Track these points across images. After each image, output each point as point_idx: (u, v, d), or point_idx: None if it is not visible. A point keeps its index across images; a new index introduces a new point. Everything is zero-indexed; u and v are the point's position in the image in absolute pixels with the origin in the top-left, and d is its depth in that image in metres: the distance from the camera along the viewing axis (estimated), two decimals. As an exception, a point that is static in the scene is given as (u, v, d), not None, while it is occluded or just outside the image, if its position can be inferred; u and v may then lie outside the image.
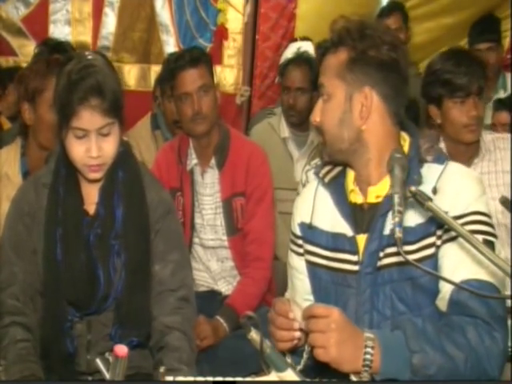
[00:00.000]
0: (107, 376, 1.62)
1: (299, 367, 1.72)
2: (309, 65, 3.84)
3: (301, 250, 1.98)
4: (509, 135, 2.86)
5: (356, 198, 1.87)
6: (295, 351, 1.75)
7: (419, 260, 1.73)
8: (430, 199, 1.63)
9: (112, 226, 2.11)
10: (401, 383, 1.63)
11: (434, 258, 1.76)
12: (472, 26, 4.39)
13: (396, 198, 1.63)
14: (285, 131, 3.88)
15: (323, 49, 1.88)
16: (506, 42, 4.67)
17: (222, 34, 4.85)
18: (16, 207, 2.17)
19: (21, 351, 2.05)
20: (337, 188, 1.91)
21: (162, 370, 1.69)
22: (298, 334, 1.69)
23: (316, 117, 1.87)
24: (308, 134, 3.86)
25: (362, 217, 1.84)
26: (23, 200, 2.16)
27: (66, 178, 2.14)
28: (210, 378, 1.70)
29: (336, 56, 1.83)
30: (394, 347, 1.62)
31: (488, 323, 1.67)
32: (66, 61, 2.09)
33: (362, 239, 1.83)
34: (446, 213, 1.69)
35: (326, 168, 1.95)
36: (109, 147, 2.06)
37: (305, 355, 1.71)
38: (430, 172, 1.81)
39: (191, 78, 2.92)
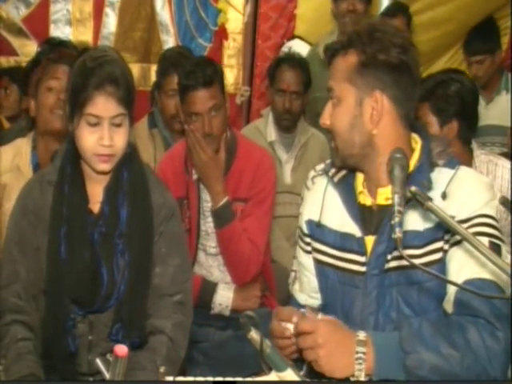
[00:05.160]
0: (107, 376, 1.62)
1: (302, 372, 1.74)
2: (301, 67, 3.80)
3: (308, 248, 1.97)
4: (502, 161, 2.77)
5: (365, 199, 1.86)
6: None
7: (426, 264, 1.71)
8: (430, 199, 1.63)
9: (116, 225, 2.11)
10: (399, 383, 1.64)
11: (441, 262, 1.75)
12: (467, 36, 4.37)
13: (396, 198, 1.63)
14: (272, 135, 3.81)
15: (332, 50, 1.85)
16: (506, 40, 4.66)
17: (221, 34, 4.85)
18: (21, 204, 2.17)
19: (21, 350, 2.04)
20: (346, 188, 1.90)
21: (162, 369, 1.69)
22: None
23: (326, 120, 1.85)
24: (294, 135, 3.81)
25: (371, 218, 1.82)
26: (28, 197, 2.16)
27: (71, 176, 2.14)
28: (210, 378, 1.70)
29: (345, 59, 1.81)
30: (388, 348, 1.63)
31: (491, 323, 1.66)
32: (81, 53, 2.12)
33: (370, 240, 1.82)
34: (453, 217, 1.68)
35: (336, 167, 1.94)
36: (120, 139, 2.07)
37: (304, 367, 1.76)
38: (441, 176, 1.79)
39: (203, 99, 2.80)
